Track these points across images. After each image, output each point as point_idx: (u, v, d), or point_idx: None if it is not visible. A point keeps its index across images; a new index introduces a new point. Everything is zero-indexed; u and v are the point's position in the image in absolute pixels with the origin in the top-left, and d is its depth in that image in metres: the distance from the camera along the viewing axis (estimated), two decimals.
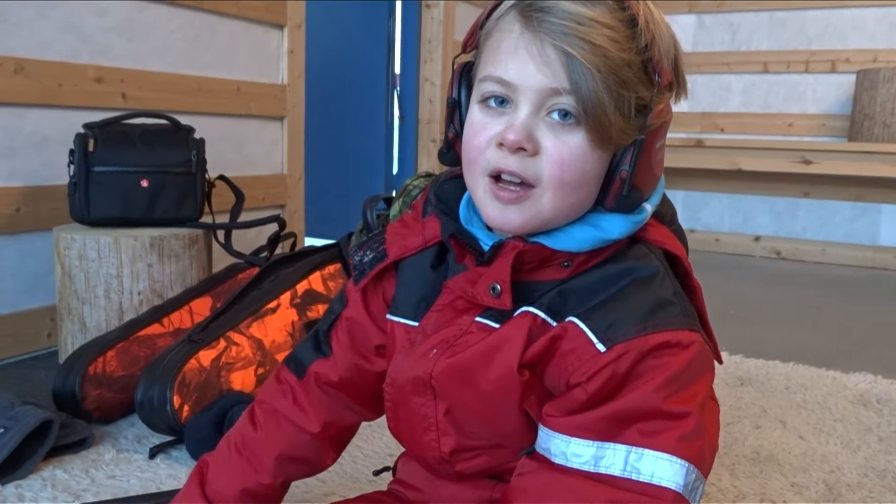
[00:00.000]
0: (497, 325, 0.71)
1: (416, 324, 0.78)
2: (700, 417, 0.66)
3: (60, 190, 1.80)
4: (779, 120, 3.55)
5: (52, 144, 1.85)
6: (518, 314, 0.70)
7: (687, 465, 0.64)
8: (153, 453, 1.28)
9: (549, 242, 0.69)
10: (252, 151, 2.45)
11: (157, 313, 1.55)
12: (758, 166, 3.26)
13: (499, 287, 0.69)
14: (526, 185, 0.66)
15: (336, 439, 0.88)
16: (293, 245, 1.94)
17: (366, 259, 0.82)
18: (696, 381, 0.67)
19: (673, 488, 0.64)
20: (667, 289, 0.69)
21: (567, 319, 0.68)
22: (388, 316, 0.81)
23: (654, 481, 0.64)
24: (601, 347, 0.65)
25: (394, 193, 1.87)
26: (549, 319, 0.69)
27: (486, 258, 0.71)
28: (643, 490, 0.64)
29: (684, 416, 0.65)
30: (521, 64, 0.64)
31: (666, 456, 0.64)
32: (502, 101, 0.67)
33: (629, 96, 0.64)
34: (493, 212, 0.68)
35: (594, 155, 0.66)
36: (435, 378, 0.73)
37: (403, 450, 0.90)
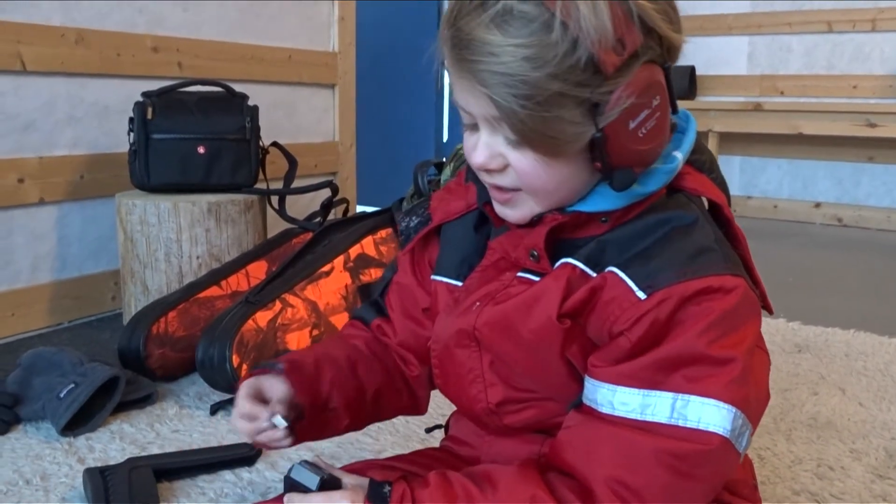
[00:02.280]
0: (537, 279, 0.72)
1: (459, 283, 0.79)
2: (746, 363, 0.65)
3: (121, 158, 1.85)
4: (843, 81, 3.42)
5: (113, 113, 1.90)
6: (557, 266, 0.71)
7: (734, 410, 0.64)
8: (214, 410, 1.33)
9: (586, 207, 0.70)
10: (303, 119, 2.47)
11: (215, 276, 1.59)
12: (820, 130, 3.15)
13: (536, 253, 0.71)
14: (514, 188, 0.69)
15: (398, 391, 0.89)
16: (345, 211, 1.96)
17: (412, 224, 0.84)
18: (742, 327, 0.66)
19: (720, 433, 0.63)
20: (707, 236, 0.68)
21: (607, 270, 0.68)
22: (433, 276, 0.83)
23: (701, 427, 0.63)
24: (641, 295, 0.65)
25: (444, 159, 1.87)
26: (588, 270, 0.69)
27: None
28: (690, 436, 0.63)
29: (730, 361, 0.64)
30: (462, 93, 0.66)
31: (712, 401, 0.63)
32: (473, 125, 0.68)
33: (569, 104, 0.62)
34: (496, 207, 0.72)
35: (556, 162, 0.66)
36: (478, 329, 0.74)
37: (455, 408, 0.92)
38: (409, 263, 0.87)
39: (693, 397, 0.64)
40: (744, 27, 3.58)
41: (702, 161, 0.74)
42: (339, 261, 1.59)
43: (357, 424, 0.86)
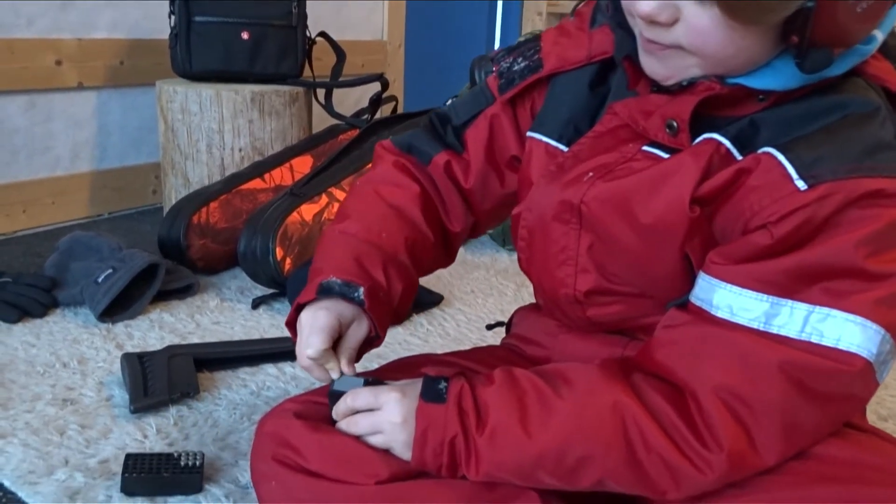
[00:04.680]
0: (667, 156, 0.61)
1: (562, 146, 0.69)
2: None
3: (162, 45, 1.75)
4: None
5: None
6: (698, 141, 0.60)
7: (882, 332, 0.55)
8: (256, 304, 1.27)
9: (751, 82, 0.58)
10: (352, 13, 2.34)
11: (258, 169, 1.52)
12: None
13: (675, 125, 0.60)
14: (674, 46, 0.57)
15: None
16: (394, 109, 1.86)
17: (516, 67, 0.72)
18: None
19: (864, 356, 0.54)
20: (888, 130, 0.57)
21: (761, 151, 0.57)
22: (530, 133, 0.72)
23: (841, 346, 0.54)
24: (801, 185, 0.55)
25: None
26: (734, 151, 0.59)
27: (667, 86, 0.60)
28: (825, 353, 0.54)
29: (886, 277, 0.55)
30: None
31: (859, 319, 0.54)
32: None
33: None
34: (642, 58, 0.61)
35: (742, 28, 0.53)
36: (586, 203, 0.64)
37: (513, 311, 0.84)
38: (510, 104, 0.74)
39: (835, 312, 0.54)
40: None
41: (890, 46, 0.61)
42: None
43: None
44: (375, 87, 1.80)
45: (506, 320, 0.86)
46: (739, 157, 0.58)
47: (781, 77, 0.57)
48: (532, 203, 0.69)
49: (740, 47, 0.55)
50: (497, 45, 3.31)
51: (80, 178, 1.75)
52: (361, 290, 0.67)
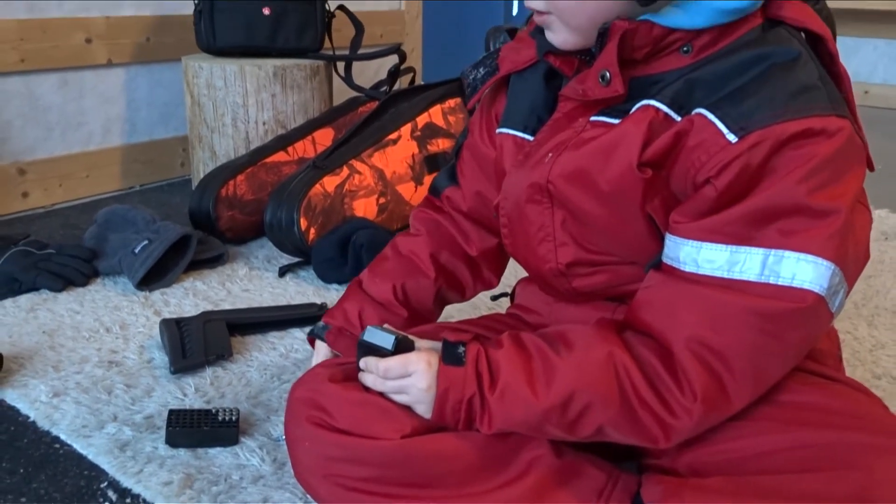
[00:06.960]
0: (615, 122, 0.67)
1: (529, 136, 0.75)
2: (848, 217, 0.60)
3: (186, 20, 1.81)
4: None
5: None
6: (637, 108, 0.65)
7: (832, 266, 0.59)
8: (282, 272, 1.34)
9: (658, 19, 0.63)
10: None
11: (282, 142, 1.58)
12: None
13: (608, 74, 0.65)
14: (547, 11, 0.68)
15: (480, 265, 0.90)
16: (412, 80, 1.90)
17: (478, 76, 0.79)
18: (846, 175, 0.60)
19: (815, 291, 0.59)
20: (810, 73, 0.62)
21: (694, 112, 0.62)
22: (498, 130, 0.79)
23: (795, 284, 0.59)
24: (732, 138, 0.60)
25: (518, 26, 1.77)
26: (672, 113, 0.64)
27: (594, 52, 0.67)
28: (782, 294, 0.60)
29: (831, 213, 0.59)
30: None
31: (810, 257, 0.59)
32: None
33: None
34: (546, 34, 0.70)
35: None
36: (552, 182, 0.70)
37: (521, 277, 0.89)
38: (479, 120, 0.84)
39: (788, 252, 0.59)
40: None
41: None
42: (406, 129, 1.55)
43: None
44: (394, 58, 1.84)
45: (509, 291, 0.92)
46: (678, 119, 0.63)
47: (687, 15, 0.62)
48: (506, 192, 0.75)
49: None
50: (515, 13, 3.32)
51: (111, 152, 1.82)
52: (327, 329, 0.86)
